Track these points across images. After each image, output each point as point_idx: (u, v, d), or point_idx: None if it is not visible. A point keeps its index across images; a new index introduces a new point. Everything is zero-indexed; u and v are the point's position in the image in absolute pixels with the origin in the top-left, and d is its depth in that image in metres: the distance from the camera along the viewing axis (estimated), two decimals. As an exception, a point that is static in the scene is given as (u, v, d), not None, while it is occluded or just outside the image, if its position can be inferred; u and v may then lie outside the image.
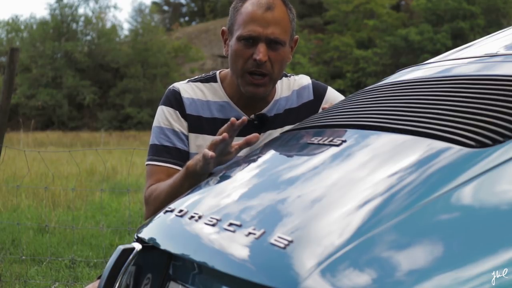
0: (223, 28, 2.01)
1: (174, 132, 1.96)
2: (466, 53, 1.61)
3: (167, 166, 1.95)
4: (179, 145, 1.96)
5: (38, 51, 36.00)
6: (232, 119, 1.71)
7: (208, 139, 1.95)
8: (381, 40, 35.04)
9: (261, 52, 1.87)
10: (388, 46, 34.50)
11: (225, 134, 1.69)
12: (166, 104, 2.00)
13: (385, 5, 37.39)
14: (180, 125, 1.97)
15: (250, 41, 1.89)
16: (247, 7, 1.91)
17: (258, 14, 1.88)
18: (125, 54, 36.49)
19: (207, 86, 2.03)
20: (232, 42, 1.93)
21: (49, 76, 35.17)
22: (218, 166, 1.75)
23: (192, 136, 1.97)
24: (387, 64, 33.98)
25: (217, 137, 1.72)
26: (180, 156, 1.95)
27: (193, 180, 1.75)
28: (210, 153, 1.67)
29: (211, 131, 1.96)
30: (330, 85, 2.16)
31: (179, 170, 1.90)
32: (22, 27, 39.24)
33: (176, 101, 1.98)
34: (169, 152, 1.95)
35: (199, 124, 1.98)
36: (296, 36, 2.01)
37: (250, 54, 1.89)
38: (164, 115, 1.99)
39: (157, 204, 1.84)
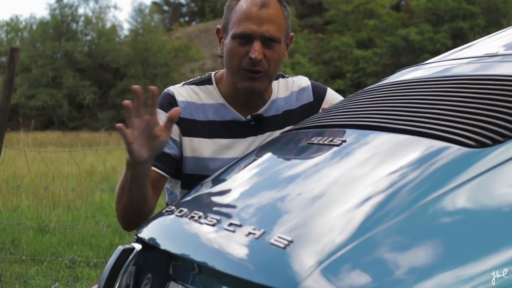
0: (218, 26, 1.99)
1: None
2: (466, 53, 1.61)
3: None
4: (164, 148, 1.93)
5: (38, 51, 35.97)
6: (134, 87, 1.60)
7: (203, 142, 1.93)
8: (381, 40, 35.01)
9: (256, 50, 1.85)
10: (388, 46, 34.48)
11: (126, 102, 1.59)
12: (159, 107, 1.96)
13: (385, 5, 37.36)
14: None
15: (245, 39, 1.87)
16: (242, 5, 1.89)
17: (253, 12, 1.87)
18: (125, 54, 36.46)
19: (202, 89, 2.00)
20: (227, 40, 1.91)
21: (49, 76, 35.14)
22: (154, 152, 1.66)
23: (186, 140, 1.94)
24: (387, 64, 33.95)
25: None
26: (162, 159, 1.90)
27: (132, 170, 1.69)
28: (120, 124, 1.58)
29: (206, 134, 1.95)
30: (330, 85, 2.14)
31: (157, 172, 1.88)
32: (22, 27, 39.24)
33: (169, 105, 1.94)
34: None
35: (194, 127, 1.95)
36: (292, 33, 1.99)
37: (245, 52, 1.87)
38: None
39: (116, 200, 1.83)
